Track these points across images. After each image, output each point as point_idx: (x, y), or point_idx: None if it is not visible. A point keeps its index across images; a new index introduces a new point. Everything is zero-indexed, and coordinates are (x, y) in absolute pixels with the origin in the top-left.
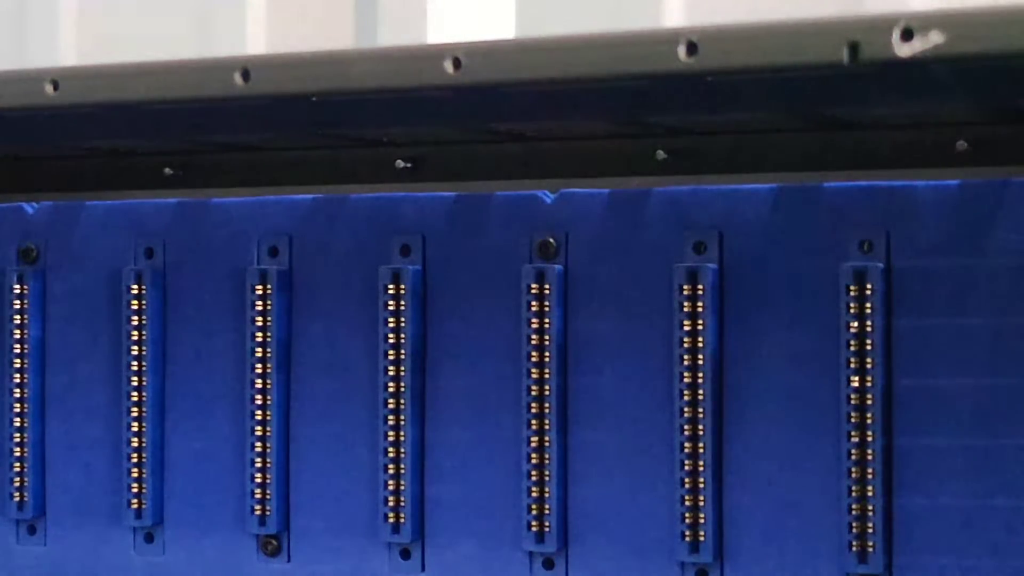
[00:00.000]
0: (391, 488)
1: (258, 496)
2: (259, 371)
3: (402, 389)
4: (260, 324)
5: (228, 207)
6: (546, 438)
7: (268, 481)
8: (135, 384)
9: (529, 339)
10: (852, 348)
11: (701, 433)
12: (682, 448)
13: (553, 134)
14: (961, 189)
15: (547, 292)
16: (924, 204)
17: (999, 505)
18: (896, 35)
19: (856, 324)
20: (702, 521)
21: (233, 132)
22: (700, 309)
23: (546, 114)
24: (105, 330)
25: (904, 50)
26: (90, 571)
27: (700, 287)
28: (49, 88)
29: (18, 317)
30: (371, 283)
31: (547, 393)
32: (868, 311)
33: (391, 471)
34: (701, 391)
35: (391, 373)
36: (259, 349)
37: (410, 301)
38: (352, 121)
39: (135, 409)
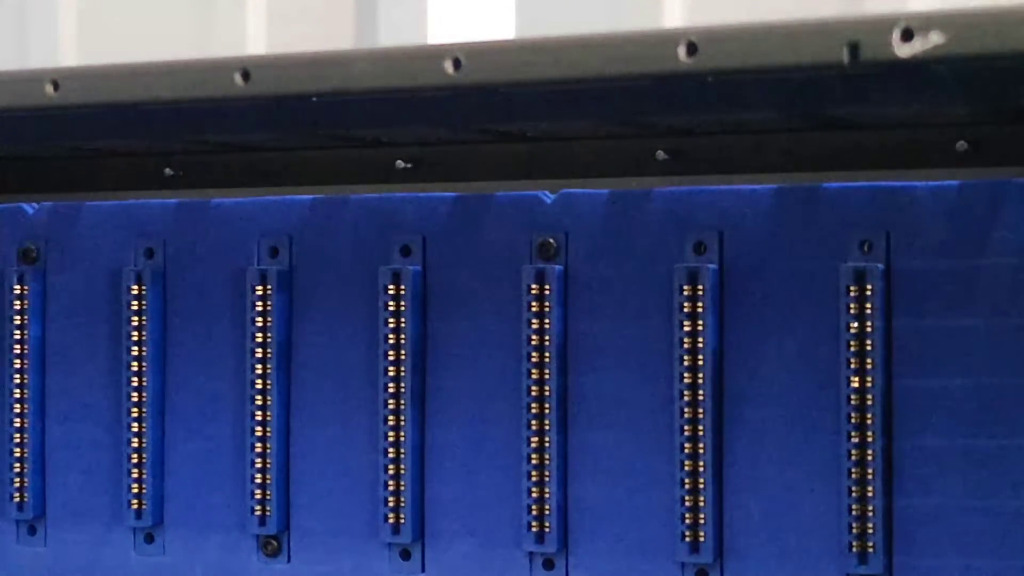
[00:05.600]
0: (391, 488)
1: (258, 496)
2: (259, 371)
3: (402, 389)
4: (260, 324)
5: (228, 207)
6: (546, 438)
7: (268, 481)
8: (135, 384)
9: (529, 339)
10: (852, 348)
11: (701, 433)
12: (682, 448)
13: (553, 134)
14: (961, 189)
15: (547, 292)
16: (924, 204)
17: (999, 505)
18: (896, 35)
19: (856, 324)
20: (702, 521)
21: (233, 132)
22: (700, 309)
23: (546, 114)
24: (105, 330)
25: (904, 50)
26: (90, 571)
27: (700, 287)
28: (49, 88)
29: (18, 317)
30: (371, 283)
31: (547, 393)
32: (868, 311)
33: (391, 471)
34: (701, 391)
35: (391, 373)
36: (259, 349)
37: (410, 301)
38: (352, 121)
39: (135, 409)
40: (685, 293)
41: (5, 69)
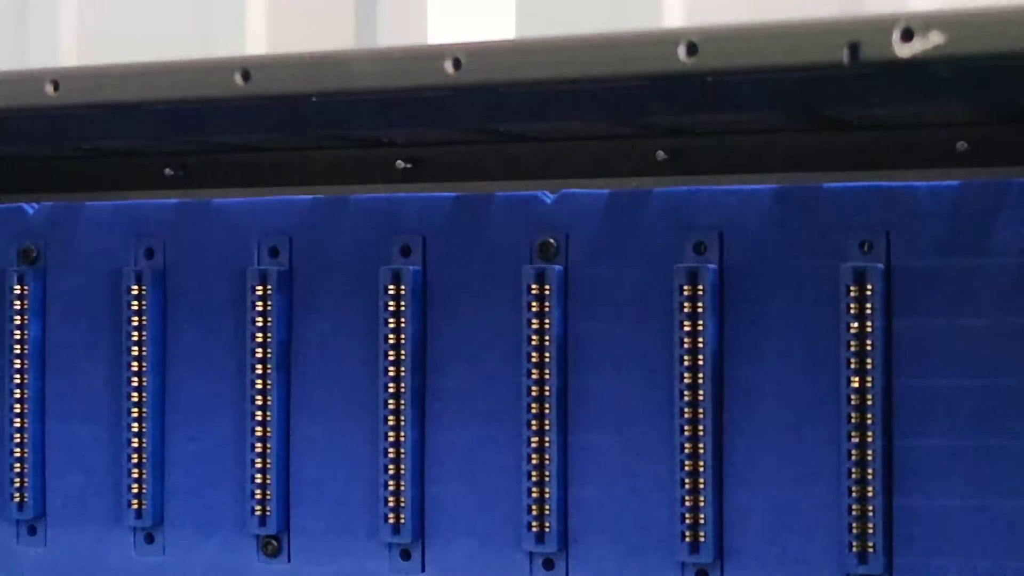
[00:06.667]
0: (391, 488)
1: (258, 496)
2: (259, 371)
3: (402, 389)
4: (260, 324)
5: (228, 207)
6: (546, 438)
7: (268, 481)
8: (135, 384)
9: (529, 339)
10: (852, 348)
11: (701, 433)
12: (682, 448)
13: (553, 134)
14: (961, 189)
15: (547, 292)
16: (924, 204)
17: (999, 505)
18: (896, 35)
19: (856, 324)
20: (702, 521)
21: (233, 132)
22: (700, 309)
23: (546, 114)
24: (105, 330)
25: (904, 50)
26: (90, 571)
27: (700, 287)
28: (49, 88)
29: (18, 317)
30: (371, 283)
31: (547, 393)
32: (868, 311)
33: (391, 471)
34: (701, 391)
35: (391, 373)
36: (259, 349)
37: (410, 301)
38: (352, 121)
39: (135, 409)
40: (685, 293)
41: (5, 69)
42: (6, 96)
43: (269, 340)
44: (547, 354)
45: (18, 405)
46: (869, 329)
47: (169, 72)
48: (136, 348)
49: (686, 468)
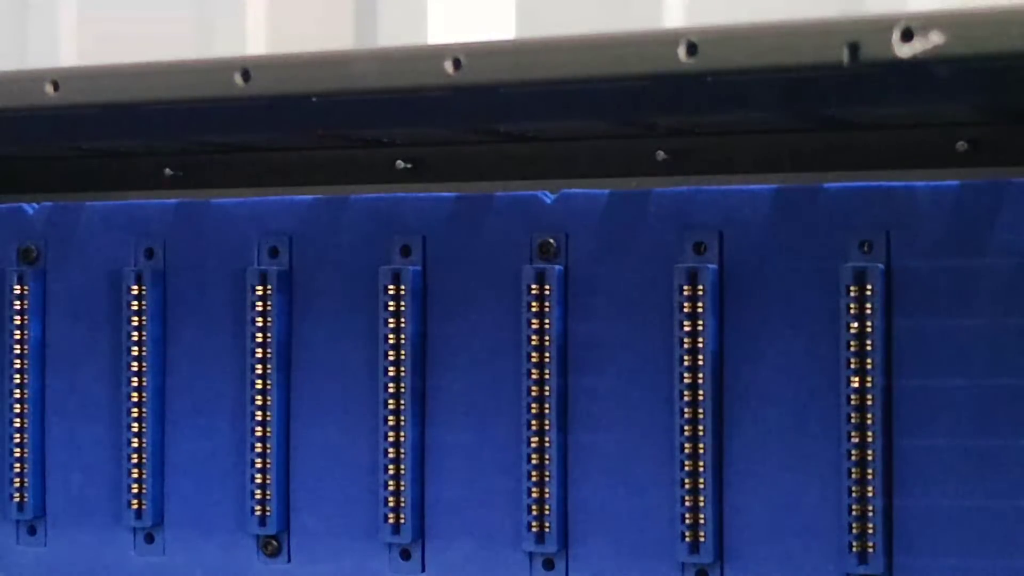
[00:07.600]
0: (391, 488)
1: (258, 496)
2: (259, 371)
3: (402, 389)
4: (260, 324)
5: (228, 207)
6: (546, 438)
7: (268, 481)
8: (135, 384)
9: (529, 339)
10: (852, 348)
11: (701, 433)
12: (682, 448)
13: (553, 134)
14: (961, 189)
15: (547, 292)
16: (924, 204)
17: (999, 505)
18: (896, 35)
19: (856, 324)
20: (702, 521)
21: (233, 132)
22: (700, 309)
23: (546, 114)
24: (105, 330)
25: (904, 50)
26: (90, 571)
27: (700, 287)
28: (49, 88)
29: (18, 317)
30: (371, 283)
31: (547, 393)
32: (868, 311)
33: (391, 471)
34: (701, 391)
35: (391, 373)
36: (259, 349)
37: (410, 301)
38: (352, 121)
39: (135, 409)
40: (685, 293)
41: (5, 69)
42: (6, 96)
43: (269, 340)
44: (547, 354)
45: (18, 405)
46: (869, 329)
47: (169, 72)
48: (136, 348)
49: (686, 468)
